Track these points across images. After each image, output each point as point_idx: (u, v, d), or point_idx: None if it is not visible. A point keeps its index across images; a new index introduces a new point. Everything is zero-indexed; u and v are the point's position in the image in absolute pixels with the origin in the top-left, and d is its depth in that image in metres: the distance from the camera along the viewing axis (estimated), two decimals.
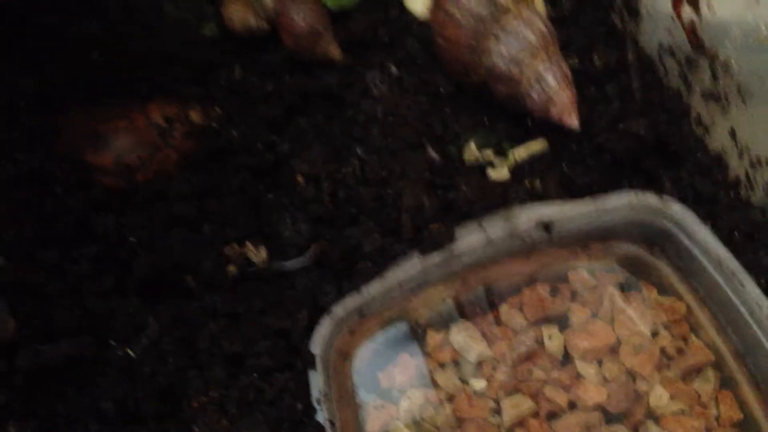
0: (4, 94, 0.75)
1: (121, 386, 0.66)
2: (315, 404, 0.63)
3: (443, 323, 0.72)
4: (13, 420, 0.65)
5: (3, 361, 0.65)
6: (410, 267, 0.70)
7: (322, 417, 0.62)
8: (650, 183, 0.75)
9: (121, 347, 0.68)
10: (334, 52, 0.81)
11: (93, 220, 0.73)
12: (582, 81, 0.80)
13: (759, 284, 0.64)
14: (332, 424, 0.62)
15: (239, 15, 0.81)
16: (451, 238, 0.70)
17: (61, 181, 0.74)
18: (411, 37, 0.85)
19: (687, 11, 0.75)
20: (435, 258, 0.70)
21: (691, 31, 0.75)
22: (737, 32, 0.69)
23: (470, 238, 0.70)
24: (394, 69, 0.84)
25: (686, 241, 0.68)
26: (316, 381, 0.64)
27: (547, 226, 0.70)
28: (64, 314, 0.68)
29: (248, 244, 0.74)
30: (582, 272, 0.72)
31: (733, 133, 0.73)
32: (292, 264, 0.73)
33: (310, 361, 0.65)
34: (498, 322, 0.72)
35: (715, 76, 0.74)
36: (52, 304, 0.68)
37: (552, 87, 0.74)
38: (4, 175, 0.72)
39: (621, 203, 0.70)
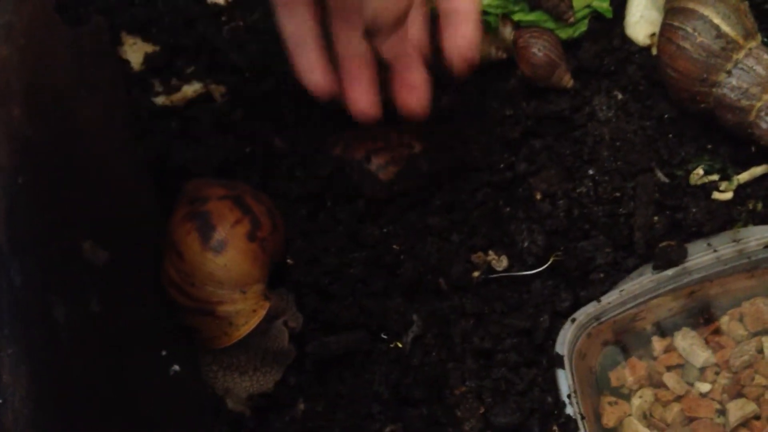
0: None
1: (393, 374, 0.78)
2: (565, 399, 0.73)
3: (669, 331, 0.80)
4: (303, 398, 0.78)
5: (296, 348, 0.78)
6: (644, 280, 0.78)
7: (572, 411, 0.72)
8: None
9: (391, 341, 0.79)
10: (568, 80, 0.90)
11: (361, 229, 0.84)
12: None
13: None
14: (583, 417, 0.71)
15: (480, 47, 0.91)
16: (683, 255, 0.78)
17: (332, 196, 0.87)
18: (633, 65, 0.92)
19: None
20: (667, 274, 0.78)
21: None
22: None
23: (699, 256, 0.78)
24: (619, 94, 0.91)
25: None
26: (565, 378, 0.74)
27: None
28: (343, 311, 0.80)
29: (491, 252, 0.84)
30: None
31: None
32: (531, 272, 0.83)
33: (557, 361, 0.75)
34: (719, 332, 0.79)
35: None
36: (333, 302, 0.80)
37: None
38: (292, 193, 0.85)
39: None
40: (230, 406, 0.76)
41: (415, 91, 0.82)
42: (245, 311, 0.73)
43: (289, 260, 0.81)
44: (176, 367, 0.73)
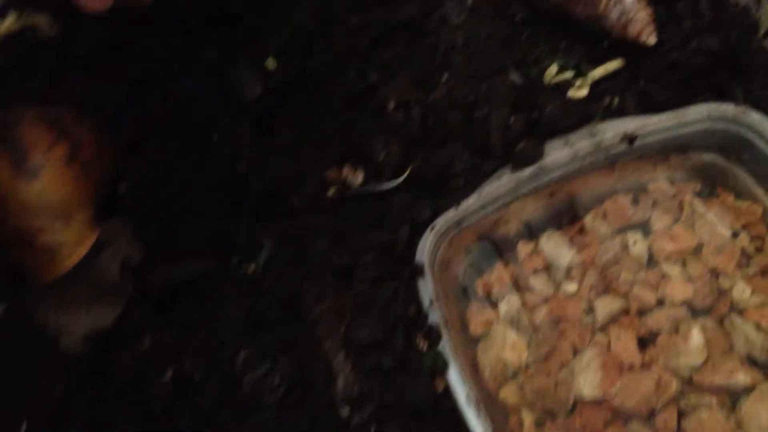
0: None
1: (246, 299, 0.72)
2: (426, 307, 0.69)
3: (533, 233, 0.77)
4: (149, 332, 0.72)
5: (136, 281, 0.72)
6: (503, 182, 0.75)
7: (434, 317, 0.68)
8: (723, 96, 0.79)
9: (242, 265, 0.74)
10: None
11: (200, 147, 0.78)
12: (653, 1, 0.84)
13: None
14: (446, 322, 0.68)
15: None
16: (540, 154, 0.75)
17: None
18: None
19: None
20: (525, 173, 0.75)
21: None
22: None
23: (557, 154, 0.75)
24: None
25: (763, 146, 0.72)
26: (426, 287, 0.70)
27: (630, 140, 0.75)
28: (187, 237, 0.74)
29: (346, 167, 0.79)
30: (662, 182, 0.77)
31: None
32: (388, 185, 0.78)
33: (418, 270, 0.71)
34: (584, 230, 0.77)
35: None
36: (175, 228, 0.74)
37: (629, 7, 0.78)
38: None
39: (700, 114, 0.74)
40: (65, 345, 0.68)
41: None
42: (69, 242, 0.65)
43: (122, 186, 0.73)
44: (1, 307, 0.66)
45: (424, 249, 0.72)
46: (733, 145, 0.75)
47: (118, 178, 0.74)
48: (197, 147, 0.79)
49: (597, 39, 0.83)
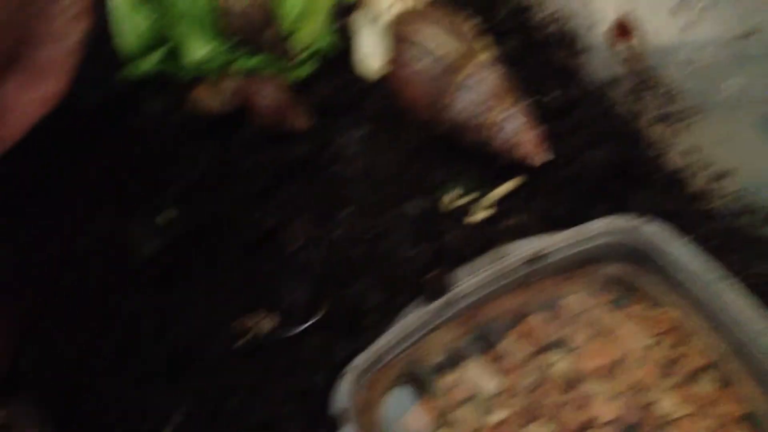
0: None
1: None
2: None
3: (455, 363, 0.75)
4: None
5: None
6: (415, 317, 0.73)
7: None
8: (621, 206, 0.81)
9: None
10: (304, 122, 0.85)
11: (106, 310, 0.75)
12: (540, 118, 0.86)
13: (738, 288, 0.70)
14: None
15: (207, 100, 0.84)
16: (448, 284, 0.74)
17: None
18: (373, 96, 0.89)
19: (623, 45, 0.81)
20: (437, 305, 0.73)
21: (631, 63, 0.81)
22: (674, 62, 0.76)
23: (466, 282, 0.74)
24: (362, 130, 0.88)
25: (666, 256, 0.73)
26: None
27: (535, 260, 0.75)
28: (94, 411, 0.69)
29: (253, 316, 0.77)
30: (576, 296, 0.77)
31: (688, 152, 0.79)
32: (301, 328, 0.76)
33: (338, 419, 0.68)
34: (504, 355, 0.76)
35: (661, 102, 0.80)
36: (80, 401, 0.69)
37: (514, 131, 0.79)
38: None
39: (600, 229, 0.74)
40: None
41: None
42: None
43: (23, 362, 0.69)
44: None
45: (343, 395, 0.69)
46: (638, 255, 0.75)
47: (17, 355, 0.69)
48: (98, 312, 0.75)
49: (492, 160, 0.83)
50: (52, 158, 0.81)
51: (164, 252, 0.79)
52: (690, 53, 0.74)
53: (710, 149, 0.77)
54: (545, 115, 0.87)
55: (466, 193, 0.82)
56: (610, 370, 0.73)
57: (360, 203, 0.82)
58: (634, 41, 0.80)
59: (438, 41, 0.79)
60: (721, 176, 0.77)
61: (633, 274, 0.76)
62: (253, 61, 0.85)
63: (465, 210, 0.81)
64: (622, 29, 0.81)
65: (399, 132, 0.87)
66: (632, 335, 0.74)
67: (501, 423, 0.72)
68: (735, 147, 0.74)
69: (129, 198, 0.81)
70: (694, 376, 0.71)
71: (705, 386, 0.71)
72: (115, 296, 0.76)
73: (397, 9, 0.85)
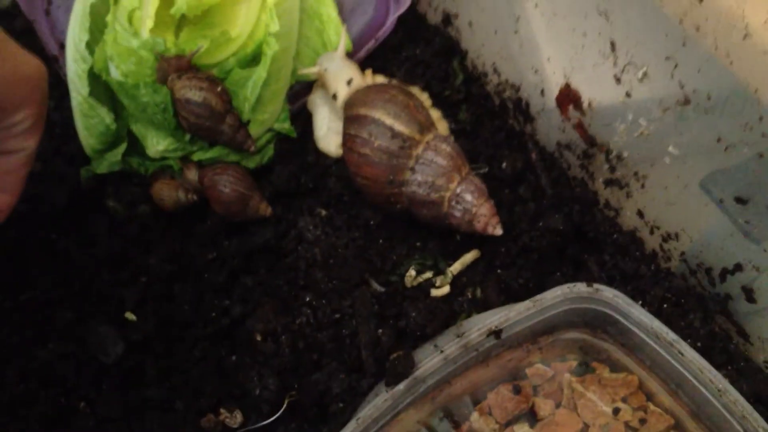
0: None
1: None
2: None
3: None
4: None
5: None
6: (380, 401, 0.73)
7: None
8: (578, 270, 0.81)
9: None
10: (264, 208, 0.86)
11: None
12: (495, 186, 0.87)
13: (695, 348, 0.70)
14: None
15: (168, 193, 0.85)
16: (411, 365, 0.74)
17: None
18: (332, 178, 0.91)
19: (572, 111, 0.83)
20: (401, 387, 0.74)
21: (581, 128, 0.83)
22: (622, 127, 0.77)
23: (429, 361, 0.74)
24: (322, 211, 0.89)
25: (623, 320, 0.73)
26: None
27: (496, 333, 0.75)
28: None
29: (222, 410, 0.77)
30: (538, 367, 0.77)
31: (640, 213, 0.80)
32: (268, 421, 0.76)
33: None
34: (472, 431, 0.76)
35: (612, 166, 0.81)
36: None
37: (471, 204, 0.80)
38: None
39: (557, 298, 0.75)
40: None
41: None
42: None
43: None
44: None
45: None
46: (595, 321, 0.76)
47: None
48: (65, 421, 0.76)
49: (450, 234, 0.84)
50: (12, 262, 0.83)
51: (131, 351, 0.79)
52: (635, 117, 0.75)
53: (659, 210, 0.78)
54: (500, 185, 0.88)
55: (428, 268, 0.83)
56: None
57: (322, 286, 0.82)
58: (583, 106, 0.81)
59: (394, 118, 0.81)
60: (670, 237, 0.78)
61: (592, 340, 0.77)
62: (213, 152, 0.87)
63: (428, 285, 0.82)
64: (570, 96, 0.83)
65: (360, 211, 0.88)
66: (595, 403, 0.74)
67: None
68: (680, 208, 0.75)
69: (89, 301, 0.82)
70: None
71: None
72: (80, 402, 0.76)
73: (353, 86, 0.86)
